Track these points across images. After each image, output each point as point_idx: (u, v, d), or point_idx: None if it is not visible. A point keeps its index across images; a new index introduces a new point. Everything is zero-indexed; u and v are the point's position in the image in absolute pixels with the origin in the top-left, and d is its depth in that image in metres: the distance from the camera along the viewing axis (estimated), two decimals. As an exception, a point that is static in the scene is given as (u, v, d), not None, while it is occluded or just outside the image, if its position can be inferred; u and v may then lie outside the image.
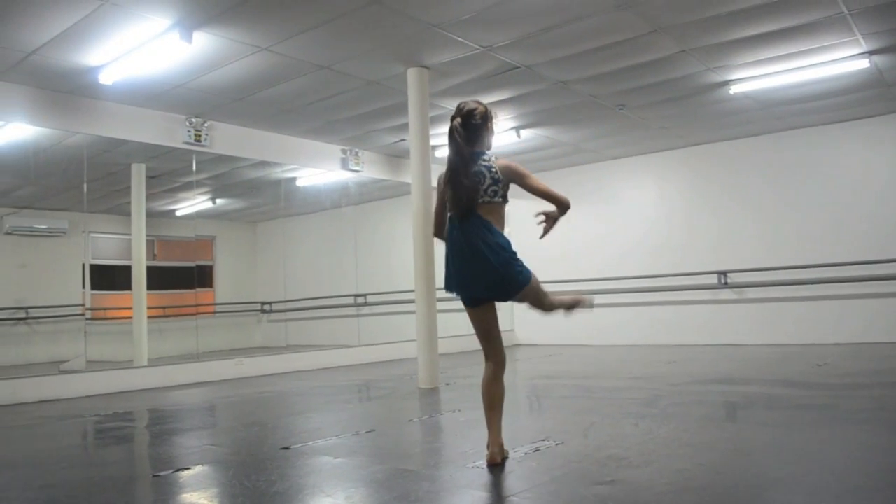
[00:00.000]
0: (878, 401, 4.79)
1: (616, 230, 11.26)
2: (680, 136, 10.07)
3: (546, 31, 6.11)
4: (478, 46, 6.42)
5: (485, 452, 3.35)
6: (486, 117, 3.47)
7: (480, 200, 3.28)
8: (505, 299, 3.34)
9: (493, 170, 3.32)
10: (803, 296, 9.50)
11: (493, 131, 3.52)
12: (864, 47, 6.74)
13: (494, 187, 3.30)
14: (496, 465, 3.27)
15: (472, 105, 3.47)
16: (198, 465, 3.64)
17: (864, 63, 7.02)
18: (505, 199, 3.36)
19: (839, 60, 7.04)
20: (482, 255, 3.22)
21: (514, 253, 3.28)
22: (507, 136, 9.35)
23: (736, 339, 9.95)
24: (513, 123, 9.04)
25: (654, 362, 8.02)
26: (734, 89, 7.78)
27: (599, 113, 8.66)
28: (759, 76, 7.49)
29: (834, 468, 3.05)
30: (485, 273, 3.23)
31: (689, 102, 8.37)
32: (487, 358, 3.41)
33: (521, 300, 3.35)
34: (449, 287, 3.39)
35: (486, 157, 3.38)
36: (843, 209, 9.35)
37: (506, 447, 3.41)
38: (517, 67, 6.99)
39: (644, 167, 11.13)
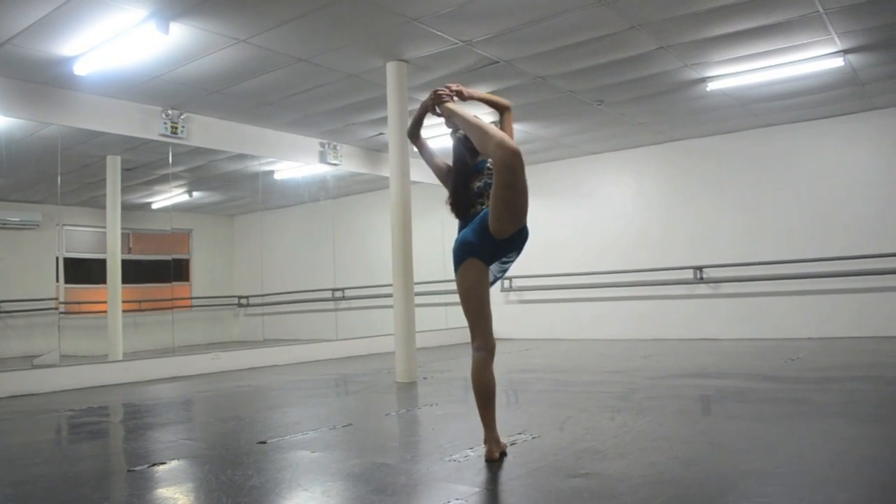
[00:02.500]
0: (849, 394, 4.87)
1: (594, 225, 11.32)
2: (658, 132, 10.14)
3: (525, 26, 6.13)
4: (457, 41, 6.42)
5: (467, 446, 3.36)
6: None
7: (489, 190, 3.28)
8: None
9: (487, 161, 3.39)
10: (778, 291, 9.63)
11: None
12: (839, 46, 6.82)
13: (489, 180, 3.30)
14: (494, 460, 3.25)
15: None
16: (173, 459, 3.62)
17: (838, 62, 7.10)
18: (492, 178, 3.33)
19: (814, 59, 7.12)
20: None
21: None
22: (485, 131, 9.36)
23: (712, 333, 10.06)
24: (492, 118, 9.02)
25: (630, 356, 8.08)
26: (711, 86, 7.85)
27: (578, 108, 8.69)
28: (735, 73, 7.56)
29: (806, 460, 3.10)
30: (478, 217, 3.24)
31: (667, 99, 8.43)
32: (477, 341, 3.26)
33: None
34: (454, 254, 3.28)
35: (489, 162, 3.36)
36: (818, 206, 9.47)
37: (503, 440, 3.41)
38: (496, 62, 6.99)
39: (622, 163, 11.20)
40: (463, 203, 3.39)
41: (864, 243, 9.02)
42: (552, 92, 7.99)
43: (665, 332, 10.42)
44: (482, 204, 3.34)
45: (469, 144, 3.44)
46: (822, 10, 5.96)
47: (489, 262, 3.22)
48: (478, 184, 3.40)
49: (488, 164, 3.36)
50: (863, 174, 9.23)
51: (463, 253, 3.22)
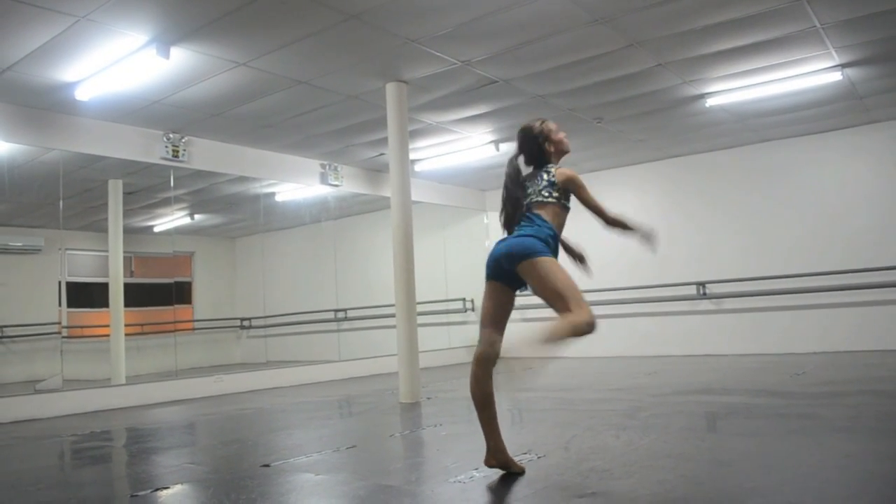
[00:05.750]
0: (855, 409, 4.84)
1: (596, 242, 11.16)
2: (657, 149, 10.17)
3: (523, 45, 6.16)
4: (456, 61, 6.46)
5: (472, 467, 3.34)
6: (538, 139, 3.64)
7: (536, 200, 3.46)
8: (510, 267, 3.29)
9: (552, 174, 3.50)
10: (781, 306, 9.60)
11: (554, 143, 3.67)
12: (837, 60, 6.85)
13: (549, 188, 3.46)
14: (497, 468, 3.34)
15: (526, 128, 3.69)
16: (177, 483, 3.60)
17: (836, 76, 7.13)
18: (560, 202, 3.46)
19: (812, 73, 7.15)
20: (526, 226, 3.38)
21: (545, 237, 3.30)
22: (485, 150, 9.41)
23: (715, 349, 10.02)
24: (492, 137, 9.08)
25: (634, 373, 8.05)
26: (710, 102, 7.88)
27: (577, 126, 8.72)
28: (734, 89, 7.59)
29: (813, 477, 3.07)
30: (506, 240, 3.37)
31: (666, 115, 8.46)
32: (485, 344, 3.42)
33: (526, 280, 3.31)
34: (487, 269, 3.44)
35: (548, 168, 3.55)
36: (819, 220, 9.47)
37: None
38: (495, 81, 7.03)
39: (622, 179, 11.21)
40: (506, 220, 3.52)
41: (865, 256, 9.01)
42: (551, 110, 8.02)
43: (668, 348, 10.38)
44: (540, 200, 3.47)
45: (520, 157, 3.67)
46: (819, 25, 5.99)
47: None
48: (539, 184, 3.52)
49: (548, 169, 3.54)
50: (862, 187, 9.23)
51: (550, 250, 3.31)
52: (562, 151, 3.70)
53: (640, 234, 3.54)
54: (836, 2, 5.57)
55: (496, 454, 3.36)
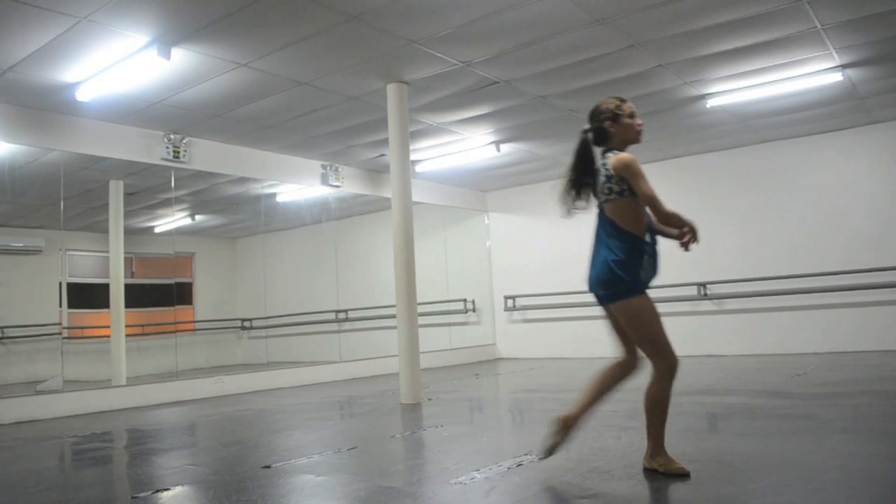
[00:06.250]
0: (856, 409, 4.83)
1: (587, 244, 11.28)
2: (658, 150, 10.16)
3: (524, 46, 6.16)
4: (457, 62, 6.45)
5: (473, 468, 3.33)
6: (600, 116, 3.40)
7: (602, 200, 3.32)
8: (607, 302, 3.30)
9: (607, 166, 3.26)
10: (782, 306, 9.60)
11: (620, 126, 3.35)
12: (838, 61, 6.85)
13: (609, 184, 3.25)
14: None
15: (597, 104, 3.45)
16: (177, 485, 3.59)
17: (837, 76, 7.13)
18: (624, 195, 3.20)
19: (813, 74, 7.15)
20: (597, 250, 3.34)
21: (621, 260, 3.20)
22: (487, 151, 9.41)
23: (716, 349, 10.01)
24: (492, 138, 9.08)
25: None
26: (711, 103, 7.88)
27: (578, 127, 8.59)
28: (735, 90, 7.58)
29: (814, 478, 3.07)
30: (593, 267, 3.34)
31: (667, 116, 8.45)
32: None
33: (622, 320, 3.29)
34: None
35: (608, 154, 3.30)
36: (820, 220, 9.47)
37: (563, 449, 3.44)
38: (496, 82, 7.03)
39: (623, 180, 11.17)
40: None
41: (865, 257, 9.00)
42: (552, 111, 8.02)
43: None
44: (605, 199, 3.33)
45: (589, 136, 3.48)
46: (819, 26, 5.99)
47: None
48: (598, 180, 3.39)
49: (605, 161, 3.31)
50: (863, 188, 9.23)
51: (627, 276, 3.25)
52: (627, 139, 3.36)
53: (688, 232, 3.19)
54: (837, 3, 5.57)
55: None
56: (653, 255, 3.28)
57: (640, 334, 3.23)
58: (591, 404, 3.37)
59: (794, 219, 9.67)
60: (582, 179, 3.42)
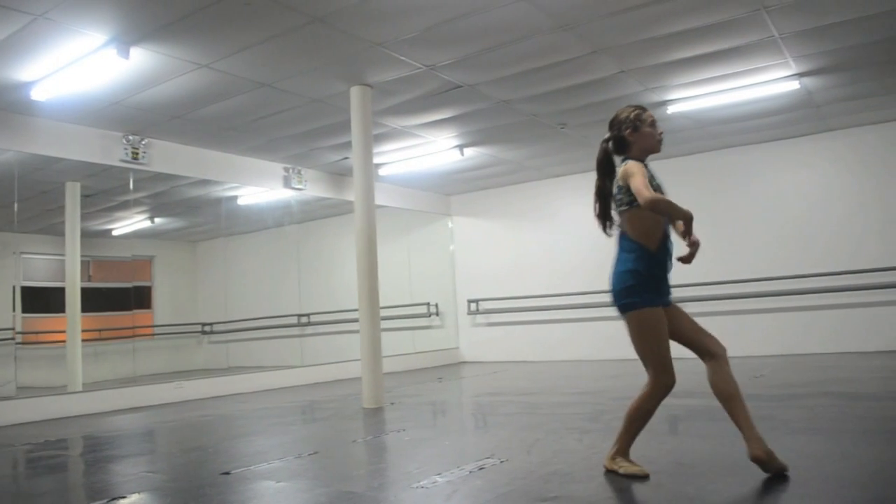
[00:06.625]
0: (811, 410, 4.92)
1: (560, 247, 11.38)
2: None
3: (488, 50, 6.18)
4: (421, 65, 6.45)
5: (435, 472, 3.32)
6: (620, 125, 3.40)
7: (617, 210, 3.34)
8: (620, 312, 3.33)
9: (617, 177, 3.29)
10: (738, 309, 9.75)
11: (640, 135, 3.35)
12: (794, 69, 6.99)
13: (619, 195, 3.27)
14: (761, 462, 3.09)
15: (617, 113, 3.44)
16: (134, 493, 3.52)
17: (794, 84, 7.28)
18: (633, 205, 3.22)
19: (771, 82, 7.28)
20: (614, 261, 3.35)
21: (630, 272, 3.25)
22: (450, 154, 9.42)
23: (677, 352, 10.09)
24: (456, 142, 9.09)
25: (598, 377, 8.10)
26: (671, 109, 7.98)
27: (541, 131, 8.77)
28: (695, 96, 7.69)
29: (771, 478, 3.11)
30: (610, 278, 3.35)
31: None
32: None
33: (627, 331, 3.34)
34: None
35: (623, 164, 3.29)
36: (778, 226, 9.65)
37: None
38: (460, 86, 7.04)
39: (586, 185, 11.01)
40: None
41: (823, 260, 9.19)
42: (516, 115, 8.05)
43: (632, 351, 10.42)
44: (618, 209, 3.38)
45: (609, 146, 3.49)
46: (777, 35, 6.11)
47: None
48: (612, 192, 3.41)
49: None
50: (819, 194, 9.44)
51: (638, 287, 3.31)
52: (646, 148, 3.35)
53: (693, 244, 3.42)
54: (794, 12, 5.68)
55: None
56: (663, 269, 3.34)
57: (642, 349, 3.32)
58: (742, 410, 3.20)
59: (753, 224, 9.84)
60: (606, 189, 3.42)
